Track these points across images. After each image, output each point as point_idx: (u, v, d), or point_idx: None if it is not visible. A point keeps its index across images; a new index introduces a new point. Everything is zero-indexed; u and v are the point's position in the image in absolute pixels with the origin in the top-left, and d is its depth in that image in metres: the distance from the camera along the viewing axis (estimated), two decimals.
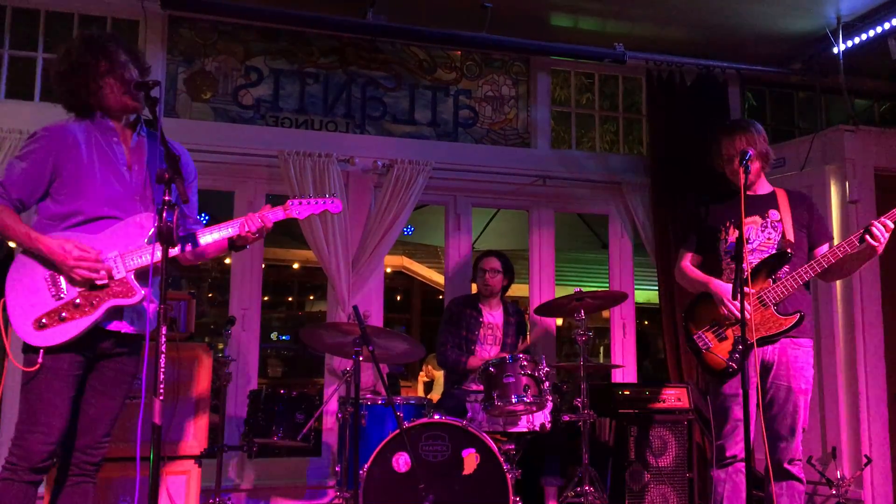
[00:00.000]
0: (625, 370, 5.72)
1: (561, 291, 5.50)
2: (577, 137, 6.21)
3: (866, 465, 4.76)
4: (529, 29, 5.44)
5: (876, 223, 3.22)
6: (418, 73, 5.73)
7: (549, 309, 4.81)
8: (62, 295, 2.69)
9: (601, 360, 8.48)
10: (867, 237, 3.22)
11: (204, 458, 4.06)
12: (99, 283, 2.70)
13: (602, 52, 5.57)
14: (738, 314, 3.24)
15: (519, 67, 5.97)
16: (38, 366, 2.63)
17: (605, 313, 6.79)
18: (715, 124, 5.74)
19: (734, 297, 3.17)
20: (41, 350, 2.64)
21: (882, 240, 3.21)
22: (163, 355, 2.40)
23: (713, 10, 5.23)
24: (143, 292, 2.75)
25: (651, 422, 4.71)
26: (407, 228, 8.10)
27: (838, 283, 4.99)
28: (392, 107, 5.64)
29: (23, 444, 2.65)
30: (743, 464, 3.23)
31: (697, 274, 3.61)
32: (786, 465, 3.38)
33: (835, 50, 5.47)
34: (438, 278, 8.94)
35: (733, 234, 3.47)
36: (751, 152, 3.28)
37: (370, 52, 5.62)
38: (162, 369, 2.39)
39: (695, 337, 3.52)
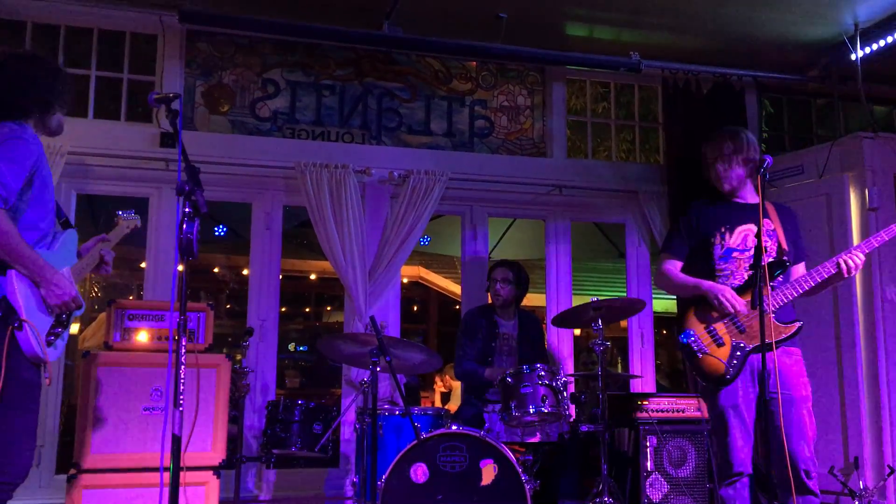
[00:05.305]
0: (643, 380, 5.69)
1: (578, 301, 5.48)
2: (593, 146, 6.20)
3: (889, 475, 4.70)
4: (544, 39, 5.45)
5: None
6: (434, 83, 5.74)
7: (566, 319, 4.79)
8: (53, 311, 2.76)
9: (619, 370, 8.43)
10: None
11: (222, 469, 4.08)
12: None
13: (617, 61, 5.56)
14: (736, 308, 3.31)
15: (534, 77, 5.97)
16: (49, 381, 2.70)
17: (623, 323, 6.75)
18: None
19: (753, 307, 3.15)
20: (46, 365, 2.69)
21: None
22: (183, 367, 2.41)
23: (729, 18, 5.22)
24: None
25: (670, 432, 4.68)
26: (423, 238, 8.10)
27: (859, 290, 4.95)
28: (408, 117, 5.66)
29: (20, 461, 2.64)
30: (749, 478, 3.21)
31: (685, 277, 3.56)
32: (802, 478, 3.29)
33: (853, 56, 5.43)
34: (455, 288, 8.93)
35: (729, 240, 3.47)
36: (768, 160, 3.25)
37: (386, 64, 5.65)
38: (183, 381, 2.40)
39: (689, 341, 3.44)
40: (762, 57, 5.76)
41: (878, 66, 5.57)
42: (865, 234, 4.97)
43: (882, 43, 5.31)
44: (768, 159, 3.24)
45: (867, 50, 5.39)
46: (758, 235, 3.18)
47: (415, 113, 5.68)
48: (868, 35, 5.34)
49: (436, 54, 5.66)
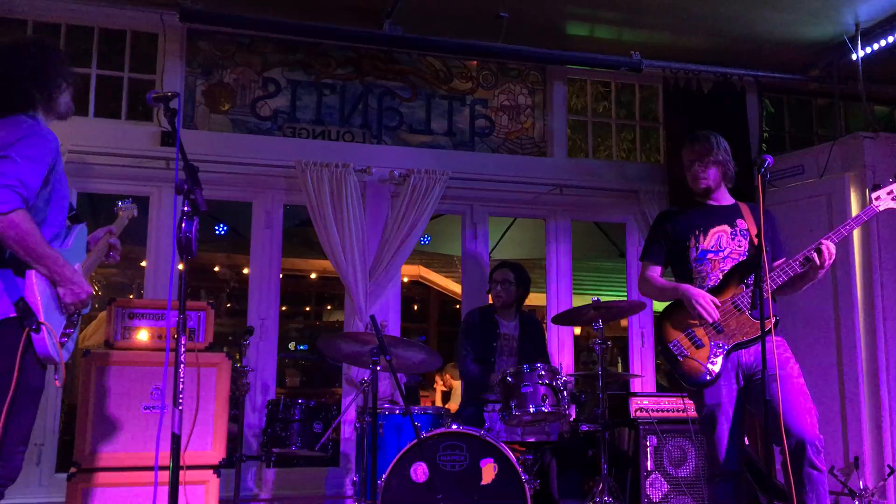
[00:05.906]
0: (643, 380, 5.69)
1: (578, 300, 5.48)
2: (594, 146, 6.20)
3: (889, 475, 4.70)
4: (545, 38, 5.45)
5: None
6: (434, 83, 5.74)
7: (566, 318, 4.79)
8: (67, 310, 2.72)
9: (619, 370, 8.43)
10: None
11: (222, 468, 4.09)
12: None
13: (618, 61, 5.56)
14: (712, 313, 3.34)
15: (535, 77, 5.97)
16: (59, 382, 2.65)
17: (623, 322, 6.75)
18: (732, 132, 5.80)
19: (753, 307, 3.15)
20: (59, 366, 2.64)
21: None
22: (182, 366, 2.40)
23: (730, 18, 5.21)
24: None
25: (670, 432, 4.68)
26: (424, 238, 8.10)
27: (860, 290, 4.96)
28: (408, 117, 5.66)
29: (12, 463, 2.62)
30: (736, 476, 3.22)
31: (665, 282, 3.63)
32: (809, 455, 3.21)
33: (853, 56, 5.43)
34: (455, 287, 8.93)
35: (703, 242, 3.52)
36: (769, 160, 3.24)
37: (386, 63, 5.65)
38: (182, 380, 2.40)
39: (670, 345, 3.46)
40: (763, 57, 5.76)
41: (879, 66, 5.57)
42: (866, 233, 4.98)
43: (883, 43, 5.31)
44: (769, 159, 3.23)
45: (868, 50, 5.39)
46: (758, 235, 3.18)
47: (415, 112, 5.68)
48: (869, 35, 5.34)
49: (437, 53, 5.65)
